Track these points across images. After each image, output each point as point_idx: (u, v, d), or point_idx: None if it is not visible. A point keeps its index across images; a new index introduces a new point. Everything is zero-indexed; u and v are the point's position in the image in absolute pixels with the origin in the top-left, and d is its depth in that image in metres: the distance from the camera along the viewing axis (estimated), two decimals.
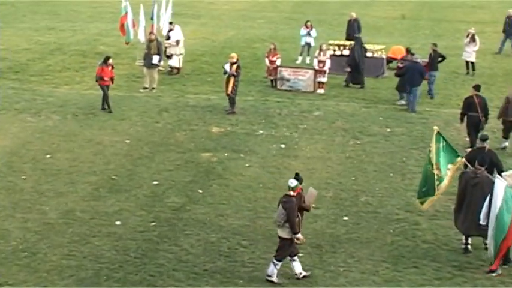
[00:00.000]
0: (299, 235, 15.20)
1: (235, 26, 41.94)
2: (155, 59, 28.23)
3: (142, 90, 28.25)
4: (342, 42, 31.56)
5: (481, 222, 15.82)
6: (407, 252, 16.49)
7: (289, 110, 26.36)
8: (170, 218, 17.92)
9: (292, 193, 15.19)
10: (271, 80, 29.12)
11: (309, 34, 32.42)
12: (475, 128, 22.32)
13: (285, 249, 15.26)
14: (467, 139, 22.64)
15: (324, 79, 28.60)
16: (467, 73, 30.63)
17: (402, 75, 26.67)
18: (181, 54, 30.84)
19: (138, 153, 21.99)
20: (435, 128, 17.71)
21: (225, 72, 25.69)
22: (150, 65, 28.30)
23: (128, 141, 22.93)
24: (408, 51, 28.52)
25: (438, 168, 16.87)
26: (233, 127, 24.45)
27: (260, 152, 22.30)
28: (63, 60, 33.15)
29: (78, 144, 22.65)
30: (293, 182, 15.29)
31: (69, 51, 34.87)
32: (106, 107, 25.59)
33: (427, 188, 17.21)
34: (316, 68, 28.54)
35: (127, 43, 32.16)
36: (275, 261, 15.26)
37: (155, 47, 28.23)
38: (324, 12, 46.76)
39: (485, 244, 16.21)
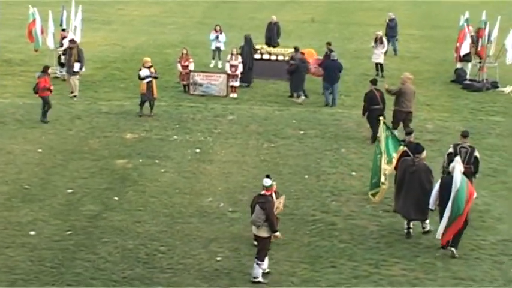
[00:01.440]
0: (278, 233, 15.46)
1: (146, 31, 41.68)
2: (76, 66, 28.00)
3: (71, 95, 27.99)
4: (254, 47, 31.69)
5: (430, 207, 16.98)
6: (324, 252, 16.71)
7: (203, 114, 26.37)
8: (86, 226, 17.70)
9: (267, 192, 15.45)
10: (184, 85, 29.05)
11: (217, 38, 32.51)
12: (377, 120, 22.70)
13: (266, 248, 15.47)
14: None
15: (236, 83, 28.71)
16: (377, 75, 31.22)
17: (292, 73, 27.88)
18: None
19: (51, 162, 21.64)
20: (381, 118, 19.11)
21: (143, 78, 25.57)
22: (71, 73, 28.07)
23: (40, 150, 22.54)
24: (329, 45, 29.56)
25: (385, 155, 18.35)
26: (147, 133, 24.32)
27: (175, 158, 22.24)
28: None
29: None
30: (268, 182, 15.53)
31: None
32: (44, 118, 25.07)
33: (377, 178, 18.44)
34: (229, 72, 28.62)
35: (36, 50, 31.59)
36: (258, 262, 15.43)
37: (75, 55, 28.03)
38: (235, 16, 46.95)
39: (424, 228, 17.39)
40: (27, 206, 18.64)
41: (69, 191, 19.66)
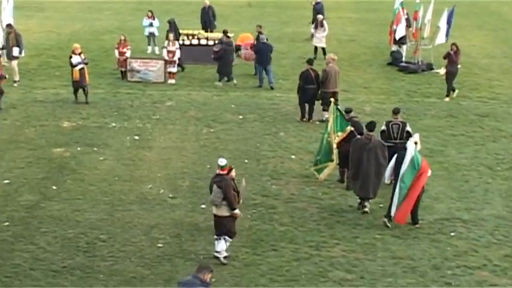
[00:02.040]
0: (237, 211, 15.58)
1: (81, 18, 41.15)
2: (15, 51, 27.82)
3: (16, 85, 27.71)
4: (190, 32, 31.56)
5: (386, 181, 17.89)
6: (265, 235, 16.80)
7: (141, 101, 26.20)
8: (24, 216, 17.48)
9: (223, 172, 15.56)
10: (121, 72, 28.78)
11: (151, 24, 32.30)
12: (309, 98, 24.14)
13: (231, 226, 15.64)
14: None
15: (174, 69, 28.57)
16: (315, 58, 31.35)
17: (219, 58, 28.07)
18: None
19: None
20: (332, 99, 19.83)
21: (75, 65, 25.28)
22: (12, 57, 27.84)
23: None
24: (258, 36, 29.22)
25: (334, 134, 18.90)
26: (84, 121, 24.07)
27: (114, 145, 22.07)
28: None
29: None
30: (223, 161, 15.79)
31: None
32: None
33: (321, 156, 19.29)
34: (166, 58, 28.46)
35: None
36: (225, 237, 15.58)
37: (13, 39, 27.84)
38: (170, 2, 46.60)
39: (365, 207, 17.93)
40: None
41: (6, 181, 19.36)
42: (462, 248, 16.44)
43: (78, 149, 21.68)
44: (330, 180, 19.63)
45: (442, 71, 27.90)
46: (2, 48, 28.78)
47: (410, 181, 16.82)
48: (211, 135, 23.11)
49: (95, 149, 21.73)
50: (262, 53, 27.94)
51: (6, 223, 17.13)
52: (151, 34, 32.44)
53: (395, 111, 19.57)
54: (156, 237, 16.70)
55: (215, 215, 15.74)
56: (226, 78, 28.39)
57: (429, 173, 17.34)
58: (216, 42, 29.46)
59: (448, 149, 22.33)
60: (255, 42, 29.05)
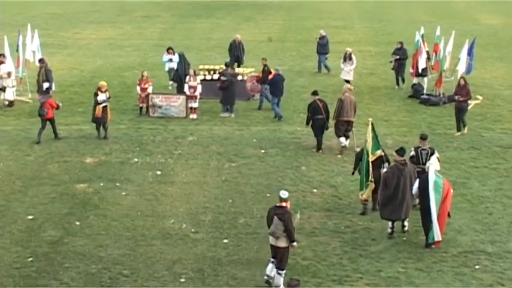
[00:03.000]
0: (295, 243, 15.88)
1: (103, 55, 41.55)
2: (44, 85, 28.80)
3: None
4: (211, 67, 31.74)
5: (415, 203, 18.62)
6: (288, 270, 16.66)
7: (163, 136, 26.32)
8: (48, 252, 17.54)
9: (284, 204, 15.83)
10: (141, 108, 28.91)
11: (171, 60, 32.54)
12: (321, 129, 24.60)
13: (286, 257, 15.92)
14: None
15: (195, 104, 28.71)
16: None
17: (225, 89, 28.39)
18: (14, 87, 30.17)
19: (10, 188, 21.41)
20: (370, 119, 19.76)
21: (101, 103, 25.58)
22: (41, 92, 28.64)
23: None
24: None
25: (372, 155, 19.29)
26: (107, 156, 24.19)
27: (136, 180, 22.15)
28: None
29: None
30: (285, 194, 16.02)
31: None
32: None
33: (362, 176, 19.41)
34: (188, 93, 28.63)
35: None
36: (279, 271, 15.85)
37: (43, 74, 28.83)
38: (191, 37, 47.03)
39: (405, 226, 18.61)
40: None
41: (30, 217, 19.46)
42: (487, 281, 16.29)
43: (101, 184, 21.78)
44: (352, 214, 19.58)
45: (470, 104, 27.83)
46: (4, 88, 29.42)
47: (439, 202, 17.55)
48: (233, 169, 23.14)
49: (118, 184, 21.82)
50: (277, 85, 28.47)
51: (30, 259, 17.19)
52: (172, 69, 32.66)
53: (424, 137, 20.19)
54: (178, 272, 16.68)
55: (273, 246, 15.99)
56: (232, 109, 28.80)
57: (452, 190, 18.08)
58: (219, 74, 29.88)
59: (471, 181, 22.21)
60: (262, 74, 29.60)
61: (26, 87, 31.13)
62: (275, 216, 15.70)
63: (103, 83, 26.35)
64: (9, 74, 29.71)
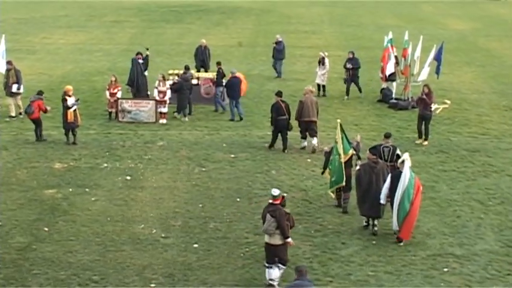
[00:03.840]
0: (290, 239, 16.03)
1: (73, 59, 41.32)
2: (14, 87, 28.85)
3: (8, 119, 28.71)
4: (181, 72, 31.68)
5: (382, 201, 18.61)
6: (259, 274, 16.74)
7: (133, 141, 26.24)
8: (16, 258, 17.40)
9: (276, 202, 16.01)
10: (110, 113, 28.81)
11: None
12: (281, 129, 25.08)
13: (284, 254, 16.14)
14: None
15: (165, 109, 28.65)
16: (318, 95, 31.81)
17: (176, 91, 28.81)
18: None
19: None
20: (338, 121, 20.33)
21: (71, 107, 25.53)
22: (11, 94, 28.92)
23: None
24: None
25: (343, 155, 19.79)
26: (76, 162, 24.06)
27: (106, 185, 22.05)
28: None
29: None
30: (276, 191, 16.23)
31: None
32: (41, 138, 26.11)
33: (336, 177, 19.83)
34: (157, 98, 28.57)
35: None
36: (281, 266, 16.09)
37: (13, 76, 28.94)
38: (162, 42, 46.92)
39: (375, 226, 18.93)
40: None
41: None
42: (456, 284, 16.44)
43: (70, 190, 21.66)
44: (322, 218, 19.66)
45: (433, 107, 27.95)
46: (5, 88, 29.46)
47: (412, 197, 17.92)
48: (203, 174, 23.12)
49: (87, 189, 21.71)
50: (234, 87, 28.92)
51: None
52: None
53: (387, 136, 21.15)
54: (149, 277, 16.64)
55: (267, 244, 16.14)
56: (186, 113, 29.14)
57: (421, 188, 18.47)
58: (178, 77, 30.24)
59: (440, 184, 22.39)
60: (216, 78, 30.22)
61: None
62: (268, 214, 15.94)
63: (69, 87, 26.30)
64: None
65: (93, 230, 18.97)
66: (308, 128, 25.30)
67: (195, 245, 18.17)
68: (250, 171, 23.42)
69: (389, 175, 18.67)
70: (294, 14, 61.22)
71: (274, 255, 16.10)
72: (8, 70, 29.11)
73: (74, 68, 38.95)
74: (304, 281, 13.55)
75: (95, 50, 44.23)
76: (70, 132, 25.75)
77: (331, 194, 20.44)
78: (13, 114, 29.05)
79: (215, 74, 30.60)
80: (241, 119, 28.83)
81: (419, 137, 26.34)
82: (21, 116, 28.75)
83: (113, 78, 29.10)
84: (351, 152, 20.23)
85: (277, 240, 16.03)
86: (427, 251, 17.95)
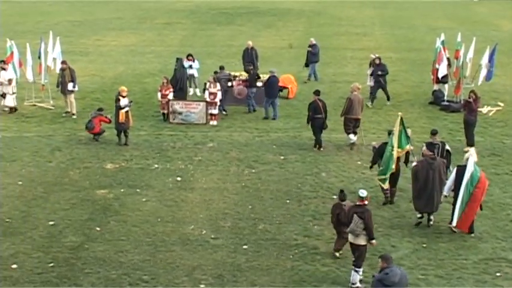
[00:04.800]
0: (374, 240, 16.32)
1: (124, 61, 41.72)
2: (70, 85, 29.48)
3: (64, 115, 29.63)
4: (233, 73, 31.81)
5: (445, 193, 19.01)
6: (308, 276, 16.74)
7: (183, 142, 26.41)
8: (68, 257, 17.65)
9: (363, 203, 16.29)
10: (163, 114, 29.11)
11: (191, 66, 32.62)
12: (320, 128, 25.47)
13: (363, 255, 16.33)
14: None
15: (215, 111, 28.78)
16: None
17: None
18: (14, 93, 30.35)
19: (32, 194, 21.57)
20: (399, 113, 20.29)
21: (123, 107, 25.86)
22: (66, 92, 29.58)
23: (20, 183, 22.46)
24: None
25: (398, 148, 20.01)
26: (128, 163, 24.30)
27: (156, 186, 22.24)
28: None
29: None
30: (363, 192, 16.52)
31: None
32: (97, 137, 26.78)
33: (383, 167, 19.90)
34: (208, 99, 28.71)
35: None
36: (356, 268, 16.22)
37: (69, 75, 29.56)
38: (212, 44, 47.12)
39: (431, 220, 19.36)
40: (8, 240, 18.56)
41: (51, 223, 19.59)
42: None
43: (122, 190, 21.89)
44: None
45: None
46: (58, 86, 30.01)
47: (471, 192, 18.08)
48: (252, 176, 23.17)
49: (138, 190, 21.92)
50: (272, 86, 29.19)
51: (51, 264, 17.32)
52: (192, 76, 32.74)
53: (434, 132, 21.30)
54: (198, 278, 16.74)
55: (352, 244, 16.32)
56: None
57: (487, 182, 18.76)
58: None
59: (492, 188, 22.06)
60: (248, 79, 30.61)
61: (48, 94, 31.33)
62: (355, 215, 16.15)
63: (123, 88, 26.60)
64: (9, 81, 29.89)
65: (144, 230, 19.15)
66: (354, 126, 25.64)
67: (245, 246, 18.23)
68: (299, 173, 23.41)
69: (455, 168, 18.93)
70: (344, 16, 60.96)
71: (360, 254, 16.34)
72: (62, 70, 29.66)
73: (126, 69, 39.33)
74: (393, 268, 13.82)
75: (146, 52, 44.59)
76: (122, 133, 26.02)
77: (380, 183, 20.33)
78: (68, 109, 29.97)
79: (247, 75, 30.88)
80: (274, 119, 29.07)
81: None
82: (74, 116, 29.39)
83: (165, 80, 29.33)
84: (408, 147, 20.42)
85: (362, 240, 16.27)
86: (479, 255, 17.76)
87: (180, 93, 30.02)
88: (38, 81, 31.38)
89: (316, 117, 25.33)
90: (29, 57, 31.39)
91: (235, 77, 31.24)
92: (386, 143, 20.44)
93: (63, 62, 30.19)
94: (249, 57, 34.51)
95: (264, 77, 30.56)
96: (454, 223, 18.41)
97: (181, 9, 65.11)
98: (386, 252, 17.76)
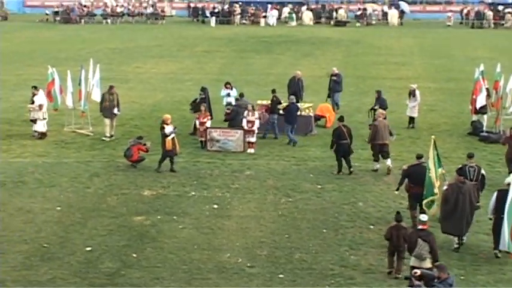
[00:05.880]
0: (439, 263, 16.21)
1: (163, 88, 42.08)
2: (116, 109, 30.55)
3: (104, 138, 30.31)
4: (269, 102, 31.88)
5: (489, 215, 19.53)
6: None
7: (221, 170, 26.49)
8: (105, 283, 17.74)
9: (425, 226, 16.90)
10: (201, 142, 29.26)
11: (228, 95, 32.79)
12: (345, 153, 26.03)
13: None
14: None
15: (253, 139, 28.86)
16: (408, 127, 31.72)
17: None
18: (44, 119, 30.73)
19: (70, 220, 21.75)
20: (432, 137, 20.65)
21: (169, 135, 26.05)
22: (111, 115, 30.54)
23: (58, 208, 22.67)
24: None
25: (434, 172, 20.32)
26: (165, 189, 24.42)
27: (193, 214, 22.30)
28: None
29: (8, 213, 22.24)
30: (424, 217, 17.30)
31: None
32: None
33: (426, 191, 20.36)
34: (246, 128, 28.80)
35: (55, 109, 32.00)
36: None
37: (115, 99, 30.59)
38: (251, 72, 47.36)
39: (462, 241, 19.70)
40: (46, 265, 18.71)
41: (88, 248, 19.72)
42: None
43: (158, 217, 21.98)
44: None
45: None
46: (34, 120, 30.50)
47: None
48: (289, 204, 23.15)
49: (175, 217, 21.99)
50: (291, 113, 29.84)
51: None
52: (229, 104, 32.89)
53: (470, 156, 21.71)
54: None
55: (415, 267, 16.18)
56: None
57: None
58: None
59: None
60: (271, 105, 30.85)
61: (87, 121, 31.69)
62: (419, 239, 16.54)
63: (167, 116, 26.84)
64: (40, 107, 30.33)
65: (180, 258, 19.19)
66: (382, 151, 26.16)
67: (281, 275, 18.17)
68: (336, 202, 23.34)
69: (496, 192, 19.36)
70: (383, 45, 60.94)
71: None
72: (111, 94, 30.58)
73: (165, 96, 39.65)
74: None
75: (185, 80, 44.95)
76: (166, 160, 26.10)
77: (425, 208, 20.37)
78: (108, 135, 30.41)
79: (269, 101, 30.97)
80: (293, 144, 29.48)
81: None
82: (113, 137, 30.30)
83: (203, 108, 29.50)
84: (441, 171, 20.72)
85: (427, 264, 16.47)
86: None
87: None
88: (78, 108, 31.76)
89: (341, 142, 25.90)
90: (69, 84, 31.85)
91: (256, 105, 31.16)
92: (414, 165, 21.29)
93: (111, 87, 31.02)
94: (295, 87, 34.49)
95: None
96: (503, 247, 18.57)
97: (220, 37, 65.59)
98: None
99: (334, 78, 35.95)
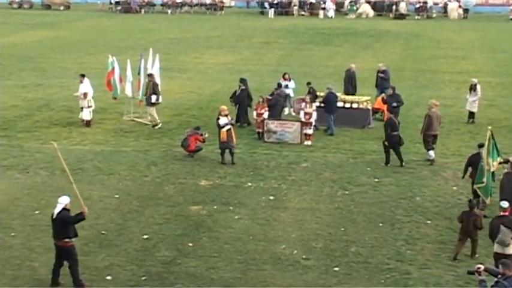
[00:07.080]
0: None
1: (221, 79, 42.24)
2: (153, 98, 30.99)
3: (157, 127, 31.10)
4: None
5: None
6: None
7: (277, 161, 26.49)
8: (161, 272, 17.89)
9: (506, 213, 16.92)
10: (258, 133, 29.31)
11: (287, 86, 32.75)
12: (397, 144, 25.98)
13: None
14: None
15: (310, 131, 28.80)
16: (468, 122, 31.49)
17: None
18: (90, 107, 31.02)
19: (128, 208, 21.99)
20: (489, 127, 21.11)
21: (223, 126, 26.06)
22: (149, 104, 31.23)
23: (116, 196, 22.94)
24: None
25: (488, 164, 20.62)
26: (221, 180, 24.53)
27: (249, 204, 22.35)
28: (51, 116, 33.23)
29: None
30: (505, 203, 17.24)
31: (56, 107, 34.99)
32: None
33: (477, 178, 20.85)
34: (303, 120, 28.76)
35: (115, 98, 32.39)
36: None
37: (151, 88, 30.85)
38: (309, 64, 47.25)
39: None
40: (104, 251, 18.96)
41: (145, 236, 19.92)
42: None
43: (215, 207, 22.09)
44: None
45: None
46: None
47: None
48: (345, 197, 23.05)
49: (231, 207, 22.08)
50: (330, 102, 29.98)
51: (144, 277, 17.59)
52: (287, 95, 32.86)
53: None
54: None
55: (499, 254, 16.52)
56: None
57: None
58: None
59: None
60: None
61: (146, 110, 31.94)
62: (501, 225, 16.53)
63: (223, 107, 26.85)
64: (85, 95, 30.68)
65: (236, 248, 19.25)
66: (433, 141, 26.29)
67: (336, 268, 18.11)
68: (393, 196, 23.16)
69: None
70: (443, 39, 60.26)
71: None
72: (148, 82, 30.93)
73: (223, 87, 39.78)
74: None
75: (243, 71, 44.98)
76: (225, 152, 26.15)
77: (478, 191, 20.83)
78: (158, 121, 31.08)
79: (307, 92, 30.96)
80: (331, 134, 29.66)
81: None
82: (158, 127, 30.87)
83: (261, 99, 29.55)
84: (499, 159, 21.15)
85: (511, 250, 16.52)
86: None
87: (245, 117, 30.83)
88: (137, 97, 32.07)
89: (393, 134, 25.83)
90: (129, 73, 32.17)
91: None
92: (476, 154, 21.42)
93: (149, 75, 31.18)
94: (352, 80, 34.26)
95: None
96: None
97: (278, 29, 65.56)
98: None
99: (382, 75, 34.49)
